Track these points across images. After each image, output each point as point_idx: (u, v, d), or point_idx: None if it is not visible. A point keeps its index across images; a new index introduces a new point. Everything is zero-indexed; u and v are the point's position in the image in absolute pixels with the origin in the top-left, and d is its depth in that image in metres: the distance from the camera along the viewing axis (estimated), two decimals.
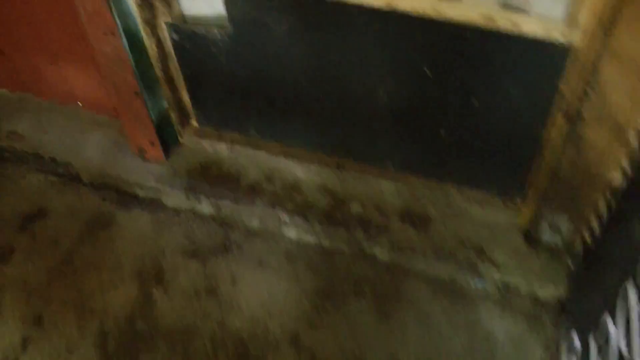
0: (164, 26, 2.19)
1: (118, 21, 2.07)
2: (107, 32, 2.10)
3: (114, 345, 2.20)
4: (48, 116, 2.88)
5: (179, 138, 2.59)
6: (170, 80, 2.39)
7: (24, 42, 2.65)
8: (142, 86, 2.30)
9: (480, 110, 1.93)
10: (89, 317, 2.30)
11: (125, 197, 2.67)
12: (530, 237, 2.11)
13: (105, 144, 2.70)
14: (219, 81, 2.31)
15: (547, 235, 2.05)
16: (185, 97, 2.48)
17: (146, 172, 2.56)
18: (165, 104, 2.44)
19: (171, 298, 2.29)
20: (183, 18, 2.20)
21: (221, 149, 2.52)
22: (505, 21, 1.68)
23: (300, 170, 2.43)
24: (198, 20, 2.22)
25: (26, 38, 2.62)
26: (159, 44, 2.26)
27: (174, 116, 2.49)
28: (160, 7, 2.12)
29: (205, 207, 2.45)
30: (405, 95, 2.01)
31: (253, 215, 2.38)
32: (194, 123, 2.57)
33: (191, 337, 2.17)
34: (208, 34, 2.14)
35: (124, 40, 2.14)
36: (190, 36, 2.18)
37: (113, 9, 2.04)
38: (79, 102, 2.88)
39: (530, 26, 1.68)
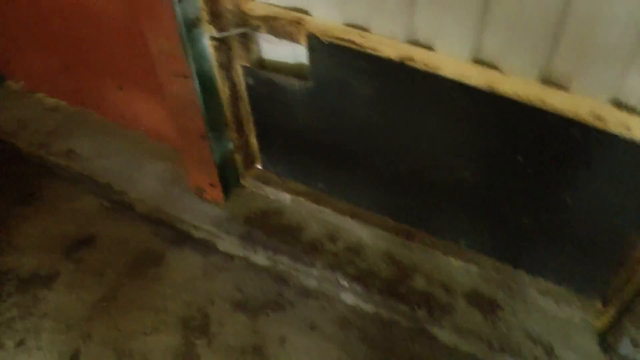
0: (239, 69, 2.14)
1: (192, 64, 2.01)
2: (179, 74, 2.04)
3: None
4: (108, 138, 2.83)
5: (241, 180, 2.54)
6: (239, 124, 2.33)
7: (91, 63, 2.62)
8: (209, 129, 2.23)
9: (572, 207, 1.81)
10: None
11: (179, 235, 2.60)
12: (606, 345, 1.96)
13: (163, 176, 2.62)
14: (290, 130, 2.22)
15: (625, 349, 1.91)
16: (253, 140, 2.40)
17: (203, 212, 2.47)
18: (230, 146, 2.40)
19: (215, 352, 2.20)
20: (261, 62, 2.14)
21: (284, 198, 2.42)
22: (616, 123, 1.56)
23: (365, 233, 2.32)
24: (277, 65, 2.12)
25: (94, 59, 2.58)
26: (233, 87, 2.22)
27: (238, 159, 2.42)
28: (238, 50, 2.06)
29: (260, 258, 2.35)
30: (490, 176, 1.90)
31: (310, 275, 2.28)
32: (258, 167, 2.50)
33: None
34: (286, 83, 2.07)
35: (196, 83, 2.09)
36: (266, 82, 2.13)
37: (188, 52, 1.96)
38: (141, 129, 2.79)
39: None
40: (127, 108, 2.71)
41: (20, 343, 2.32)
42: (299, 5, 1.86)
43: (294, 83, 2.04)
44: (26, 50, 2.83)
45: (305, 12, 1.86)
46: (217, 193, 2.43)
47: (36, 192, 2.76)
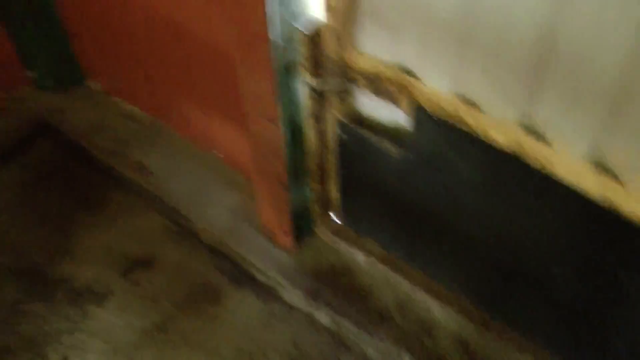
0: (332, 121, 2.02)
1: (282, 111, 1.91)
2: (267, 118, 1.95)
3: None
4: (182, 157, 2.78)
5: (316, 230, 2.45)
6: (322, 175, 2.24)
7: (177, 79, 2.56)
8: (290, 177, 2.16)
9: None
10: None
11: (241, 274, 2.53)
12: None
13: (235, 209, 2.53)
14: (377, 191, 2.13)
15: None
16: (334, 193, 2.30)
17: (270, 257, 2.38)
18: (309, 195, 2.31)
19: None
20: (356, 116, 2.03)
21: (357, 257, 2.32)
22: None
23: (438, 311, 2.20)
24: (373, 123, 2.01)
25: (181, 77, 2.53)
26: (322, 138, 2.13)
27: (315, 209, 2.33)
28: (334, 102, 1.94)
29: (323, 317, 2.24)
30: (585, 286, 1.74)
31: (373, 346, 2.19)
32: (336, 221, 2.36)
33: None
34: (382, 146, 1.98)
35: (284, 130, 2.00)
36: (359, 140, 2.05)
37: (281, 97, 1.87)
38: (219, 154, 2.71)
39: None
40: (207, 130, 2.64)
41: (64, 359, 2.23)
42: (408, 65, 1.72)
43: (391, 149, 1.93)
44: (111, 54, 2.79)
45: (413, 75, 1.72)
46: (288, 240, 2.34)
47: (102, 201, 2.70)
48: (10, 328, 2.37)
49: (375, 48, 1.76)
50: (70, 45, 2.95)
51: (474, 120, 1.63)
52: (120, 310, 2.38)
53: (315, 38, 1.79)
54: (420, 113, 1.73)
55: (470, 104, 1.64)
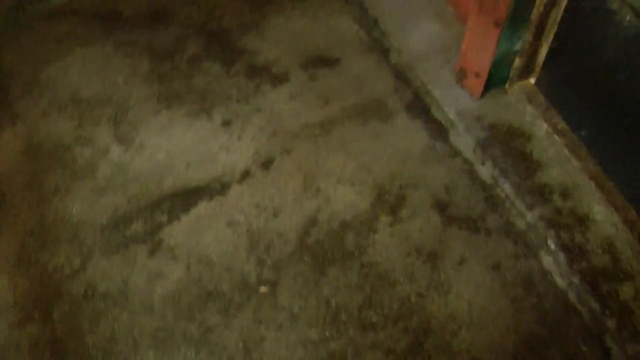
0: None
1: None
2: None
3: None
4: None
5: (507, 85, 2.57)
6: (540, 29, 2.29)
7: None
8: (509, 20, 2.26)
9: None
10: None
11: (417, 103, 2.74)
12: None
13: (433, 40, 2.71)
14: (587, 66, 2.18)
15: None
16: (542, 53, 2.39)
17: (452, 95, 2.54)
18: (517, 46, 2.41)
19: (392, 235, 2.45)
20: None
21: (539, 126, 2.43)
22: None
23: (599, 207, 2.33)
24: None
25: None
26: None
27: (517, 63, 2.42)
28: None
29: (485, 171, 2.42)
30: None
31: (523, 217, 2.38)
32: (531, 81, 2.44)
33: None
34: (618, 12, 1.99)
35: None
36: (598, 3, 2.04)
37: None
38: None
39: None
40: None
41: (226, 123, 2.57)
42: None
43: (629, 19, 1.92)
44: None
45: None
46: (477, 84, 2.46)
47: None
48: (185, 78, 2.75)
49: None
50: None
51: None
52: (290, 98, 2.63)
53: None
54: None
55: None
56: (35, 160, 2.52)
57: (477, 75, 2.46)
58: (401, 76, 2.67)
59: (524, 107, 2.49)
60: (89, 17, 2.88)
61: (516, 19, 2.26)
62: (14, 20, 2.84)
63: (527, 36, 2.32)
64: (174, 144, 2.53)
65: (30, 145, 2.55)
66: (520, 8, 2.23)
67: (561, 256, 2.19)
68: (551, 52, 2.38)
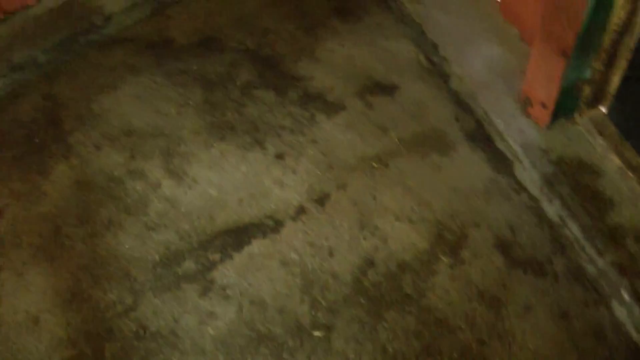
0: None
1: None
2: None
3: None
4: None
5: (575, 115, 2.44)
6: (611, 55, 2.17)
7: None
8: (577, 48, 2.12)
9: None
10: None
11: (479, 133, 2.62)
12: None
13: (495, 64, 2.58)
14: None
15: None
16: (615, 81, 2.30)
17: (517, 126, 2.44)
18: (586, 74, 2.28)
19: (453, 278, 2.34)
20: None
21: (610, 160, 2.28)
22: None
23: None
24: None
25: None
26: (632, 15, 2.04)
27: (586, 91, 2.30)
28: None
29: (552, 210, 2.31)
30: None
31: (593, 263, 2.26)
32: (602, 111, 2.31)
33: None
34: None
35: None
36: None
37: None
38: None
39: None
40: None
41: (279, 155, 2.51)
42: None
43: None
44: None
45: None
46: (543, 115, 2.35)
47: (359, 13, 2.87)
48: (237, 107, 2.70)
49: None
50: None
51: None
52: (346, 128, 2.56)
53: None
54: None
55: None
56: (88, 193, 2.52)
57: (543, 105, 2.34)
58: (462, 104, 2.56)
59: (595, 140, 2.36)
60: (141, 46, 2.84)
61: (585, 47, 2.14)
62: (68, 51, 2.82)
63: (598, 64, 2.18)
64: (226, 178, 2.48)
65: (83, 179, 2.54)
66: (589, 36, 2.10)
67: (637, 309, 2.05)
68: (625, 80, 2.24)
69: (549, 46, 2.18)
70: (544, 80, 2.28)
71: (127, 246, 2.41)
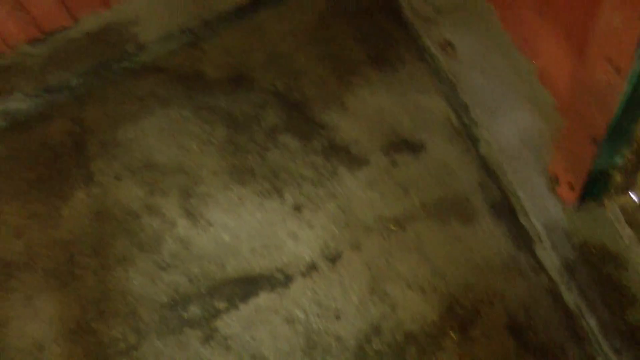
0: None
1: (637, 64, 1.72)
2: (613, 64, 1.80)
3: None
4: (492, 50, 2.73)
5: (605, 200, 2.35)
6: None
7: None
8: (607, 138, 2.03)
9: None
10: None
11: (504, 206, 2.55)
12: None
13: (525, 133, 2.52)
14: None
15: None
16: None
17: (541, 203, 2.36)
18: (616, 161, 2.19)
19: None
20: None
21: (637, 254, 2.15)
22: None
23: None
24: None
25: None
26: None
27: (616, 177, 2.19)
28: None
29: (568, 296, 2.20)
30: None
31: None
32: (633, 198, 2.21)
33: None
34: None
35: (626, 86, 1.82)
36: None
37: None
38: (534, 61, 2.57)
39: None
40: (533, 32, 2.52)
41: (297, 207, 2.46)
42: None
43: None
44: None
45: None
46: (570, 196, 2.27)
47: (393, 63, 2.80)
48: (260, 150, 2.67)
49: None
50: None
51: None
52: (368, 185, 2.51)
53: None
54: None
55: None
56: (104, 224, 2.51)
57: (570, 186, 2.24)
58: (489, 171, 2.49)
59: (622, 229, 2.27)
60: (172, 77, 2.82)
61: (616, 133, 2.04)
62: (100, 76, 2.82)
63: (629, 153, 2.09)
64: (241, 224, 2.45)
65: (101, 208, 2.54)
66: (622, 123, 2.00)
67: None
68: None
69: (578, 128, 2.09)
70: (572, 162, 2.20)
71: (136, 283, 2.39)
